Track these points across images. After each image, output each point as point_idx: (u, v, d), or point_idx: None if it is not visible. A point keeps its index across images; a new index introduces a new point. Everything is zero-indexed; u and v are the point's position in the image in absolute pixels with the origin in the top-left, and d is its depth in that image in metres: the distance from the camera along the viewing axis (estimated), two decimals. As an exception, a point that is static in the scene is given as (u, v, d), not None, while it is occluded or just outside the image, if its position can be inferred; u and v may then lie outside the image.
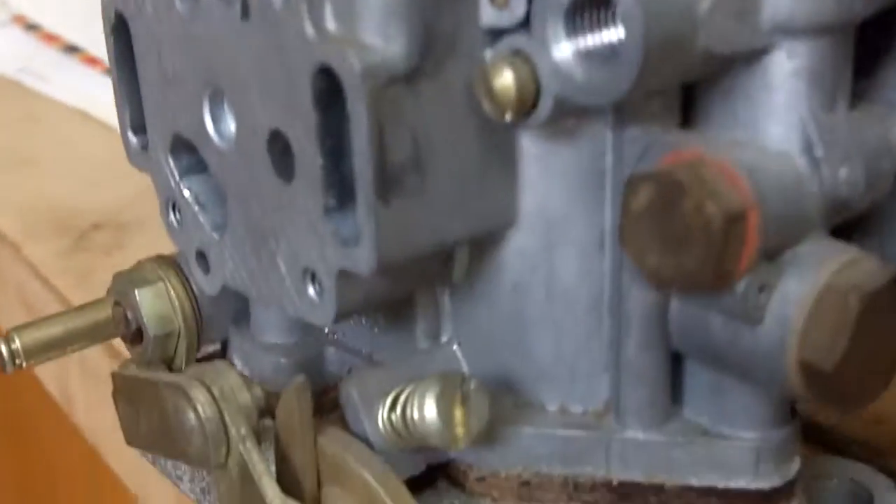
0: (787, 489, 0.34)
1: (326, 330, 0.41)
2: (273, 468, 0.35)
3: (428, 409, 0.33)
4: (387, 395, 0.35)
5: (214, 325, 0.41)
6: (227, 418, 0.34)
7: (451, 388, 0.33)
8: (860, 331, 0.29)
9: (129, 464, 0.66)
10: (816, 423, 0.47)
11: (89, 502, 1.03)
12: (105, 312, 0.43)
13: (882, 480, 0.41)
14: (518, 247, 0.33)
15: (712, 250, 0.27)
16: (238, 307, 0.42)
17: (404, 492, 0.33)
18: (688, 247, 0.28)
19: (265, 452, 0.36)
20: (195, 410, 0.34)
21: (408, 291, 0.35)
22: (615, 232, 0.32)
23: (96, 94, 0.96)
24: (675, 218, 0.28)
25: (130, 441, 0.40)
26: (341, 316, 0.33)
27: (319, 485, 0.35)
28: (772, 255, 0.30)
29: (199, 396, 0.34)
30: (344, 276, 0.32)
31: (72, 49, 1.05)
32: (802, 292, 0.29)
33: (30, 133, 0.97)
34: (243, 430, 0.34)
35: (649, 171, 0.29)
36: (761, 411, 0.33)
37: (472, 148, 0.31)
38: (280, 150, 0.32)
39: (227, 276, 0.37)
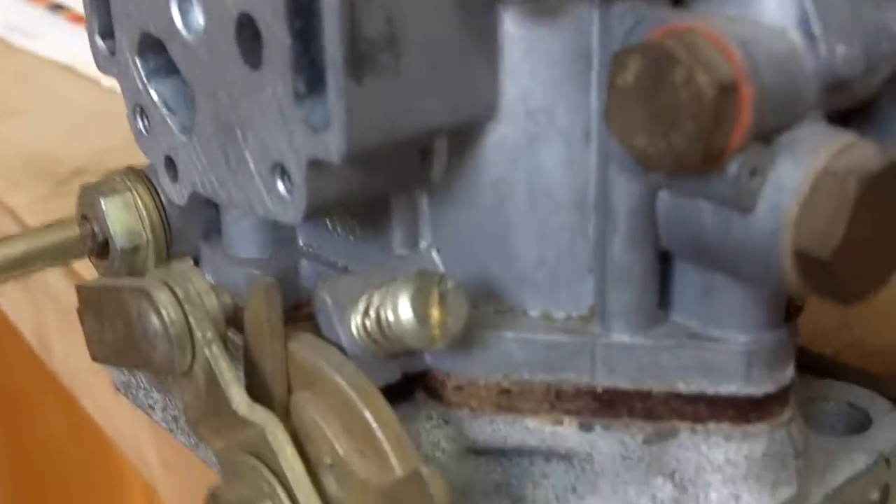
0: (780, 396, 0.33)
1: (301, 243, 0.39)
2: (241, 375, 0.33)
3: (402, 309, 0.31)
4: (360, 299, 0.33)
5: (184, 238, 0.40)
6: (193, 321, 0.33)
7: (427, 286, 0.31)
8: (859, 216, 0.27)
9: (105, 408, 0.65)
10: (815, 353, 0.46)
11: (68, 448, 1.02)
12: (72, 231, 0.41)
13: (880, 402, 0.40)
14: (499, 139, 0.32)
15: (703, 124, 0.26)
16: (209, 222, 0.40)
17: (377, 395, 0.31)
18: (677, 122, 0.26)
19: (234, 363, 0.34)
20: (158, 313, 0.33)
21: (383, 189, 0.33)
22: (602, 120, 0.30)
23: (83, 51, 0.95)
24: (665, 92, 0.26)
25: (96, 356, 0.38)
26: (312, 213, 0.31)
27: (290, 391, 0.33)
28: (766, 137, 0.28)
29: (163, 298, 0.33)
30: (315, 167, 0.30)
31: (58, 7, 1.04)
32: (797, 177, 0.28)
33: (17, 89, 0.96)
34: (209, 334, 0.33)
35: (638, 43, 0.27)
36: (754, 312, 0.32)
37: (450, 27, 0.30)
38: (248, 36, 0.31)
39: (196, 182, 0.35)
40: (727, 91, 0.26)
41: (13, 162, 0.78)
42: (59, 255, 0.42)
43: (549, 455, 0.35)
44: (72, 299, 0.39)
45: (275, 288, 0.32)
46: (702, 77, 0.26)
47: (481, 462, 0.35)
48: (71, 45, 0.97)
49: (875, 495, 0.37)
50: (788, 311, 0.33)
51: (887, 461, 0.38)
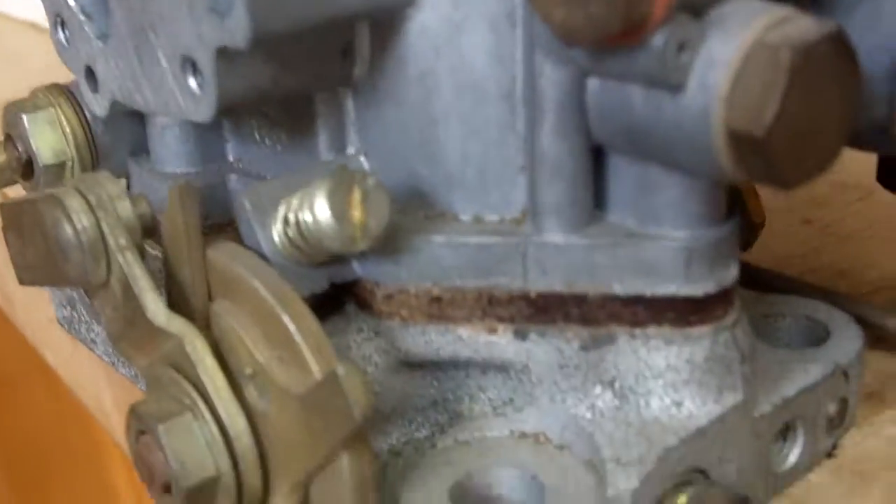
0: (722, 297, 0.31)
1: (230, 159, 0.38)
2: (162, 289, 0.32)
3: (319, 208, 0.30)
4: (281, 204, 0.31)
5: (110, 155, 0.38)
6: (105, 228, 0.31)
7: (345, 184, 0.29)
8: (794, 91, 0.26)
9: (65, 359, 0.63)
10: (772, 272, 0.44)
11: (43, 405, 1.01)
12: (2, 155, 0.40)
13: (839, 315, 0.38)
14: (421, 28, 0.30)
15: (619, -13, 0.24)
16: (135, 139, 0.39)
17: (296, 299, 0.29)
18: (593, -12, 0.25)
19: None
20: (70, 221, 0.31)
21: (303, 87, 0.32)
22: (525, 3, 0.29)
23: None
24: (579, -44, 0.25)
25: (22, 278, 0.37)
26: (224, 107, 0.30)
27: (211, 301, 0.31)
28: (695, 10, 0.26)
29: (75, 205, 0.31)
30: (223, 58, 0.29)
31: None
32: (728, 51, 0.26)
33: (-23, 46, 0.95)
34: (122, 241, 0.31)
35: None
36: (692, 207, 0.30)
37: None
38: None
39: (115, 89, 0.34)
40: (643, -52, 0.24)
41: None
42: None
43: (486, 367, 0.33)
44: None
45: (191, 191, 0.30)
46: (615, -65, 0.24)
47: (416, 376, 0.34)
48: (34, 1, 0.96)
49: (832, 408, 0.36)
50: (730, 208, 0.31)
51: (845, 374, 0.36)
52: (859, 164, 0.37)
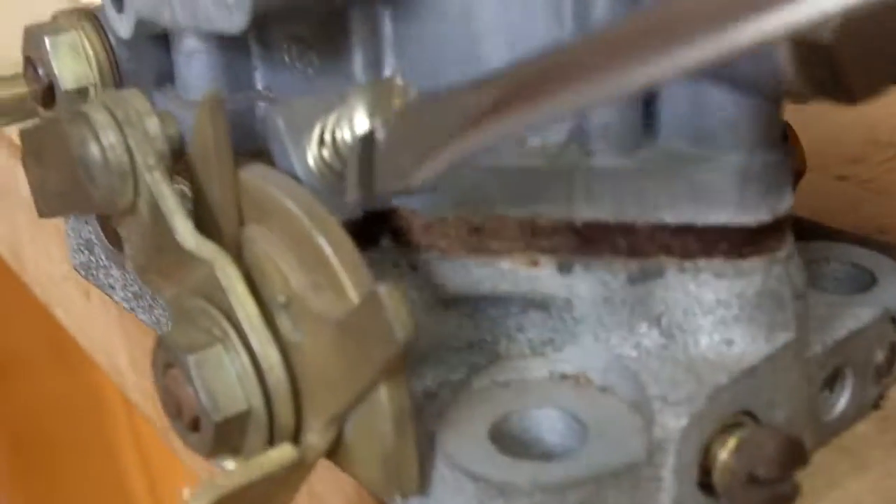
0: (777, 227, 0.30)
1: (259, 87, 0.36)
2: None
3: (359, 123, 0.28)
4: (316, 124, 0.30)
5: (135, 83, 0.37)
6: (133, 145, 0.30)
7: (385, 95, 0.28)
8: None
9: (77, 316, 0.62)
10: (814, 222, 0.43)
11: (53, 384, 1.00)
12: (21, 87, 0.39)
13: (885, 262, 0.37)
14: (467, -66, 0.29)
15: None
16: (161, 68, 0.37)
17: (333, 222, 0.28)
18: None
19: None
20: (97, 138, 0.30)
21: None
22: None
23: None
24: None
25: (42, 210, 0.36)
26: (259, 14, 0.28)
27: (241, 225, 0.30)
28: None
29: (101, 120, 0.30)
30: (260, -35, 0.27)
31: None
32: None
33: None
34: (151, 160, 0.30)
35: None
36: (747, 128, 0.29)
37: None
38: None
39: (141, 7, 0.33)
40: None
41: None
42: (11, 109, 0.39)
43: (526, 305, 0.32)
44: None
45: (220, 104, 0.29)
46: None
47: (452, 316, 0.32)
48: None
49: (880, 356, 0.35)
50: (785, 134, 0.30)
51: (893, 320, 0.35)
52: (894, 121, 0.36)
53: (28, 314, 0.74)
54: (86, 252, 0.45)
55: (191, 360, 0.29)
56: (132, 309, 0.43)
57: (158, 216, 0.30)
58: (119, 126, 0.30)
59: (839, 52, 0.24)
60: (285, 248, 0.29)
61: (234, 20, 0.28)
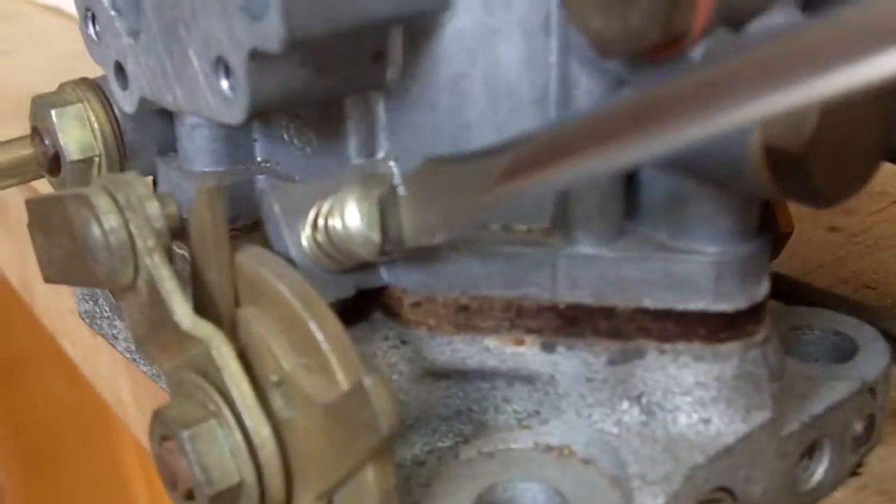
0: (753, 313, 0.31)
1: (259, 159, 0.37)
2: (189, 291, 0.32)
3: (350, 215, 0.30)
4: (311, 208, 0.31)
5: (139, 153, 0.38)
6: (134, 229, 0.31)
7: (375, 191, 0.29)
8: (832, 110, 0.25)
9: (84, 350, 0.63)
10: (801, 283, 0.44)
11: (64, 403, 1.01)
12: (28, 149, 0.40)
13: (867, 330, 0.38)
14: (455, 33, 0.30)
15: (660, 1, 0.24)
16: (164, 137, 0.38)
17: (323, 306, 0.29)
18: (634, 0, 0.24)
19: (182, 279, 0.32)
20: (98, 221, 0.31)
21: (334, 91, 0.31)
22: (561, 9, 0.28)
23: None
24: (620, -32, 0.24)
25: (47, 276, 0.37)
26: (256, 110, 0.29)
27: (238, 306, 0.31)
28: (734, 23, 0.26)
29: (102, 205, 0.31)
30: (256, 60, 0.28)
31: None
32: (768, 68, 0.26)
33: (3, 28, 0.95)
34: (150, 243, 0.31)
35: (592, -82, 0.25)
36: (725, 223, 0.30)
37: None
38: (190, -75, 0.29)
39: (145, 86, 0.34)
40: (687, -36, 0.24)
41: (-2, 100, 0.77)
42: (16, 173, 0.40)
43: (512, 378, 0.33)
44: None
45: (218, 192, 0.30)
46: (658, -52, 0.24)
47: (441, 386, 0.34)
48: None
49: (858, 426, 0.36)
50: (763, 225, 0.31)
51: (872, 391, 0.36)
52: (885, 172, 0.37)
53: (33, 318, 0.76)
54: (90, 302, 0.46)
55: (185, 434, 0.30)
56: (134, 360, 0.44)
57: (157, 295, 0.31)
58: (120, 210, 0.31)
59: (809, 161, 0.26)
60: (278, 330, 0.30)
61: (233, 114, 0.29)
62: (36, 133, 0.38)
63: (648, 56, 0.26)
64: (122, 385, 0.59)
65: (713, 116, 0.21)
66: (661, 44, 0.25)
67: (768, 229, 0.31)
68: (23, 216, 0.65)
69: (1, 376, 1.28)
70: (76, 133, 0.37)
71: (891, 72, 0.18)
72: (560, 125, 0.26)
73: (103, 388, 0.63)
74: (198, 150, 0.37)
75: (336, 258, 0.31)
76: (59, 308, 0.66)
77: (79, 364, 0.66)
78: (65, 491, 1.24)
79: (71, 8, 0.92)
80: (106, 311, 0.45)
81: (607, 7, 0.25)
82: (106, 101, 0.37)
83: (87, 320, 0.47)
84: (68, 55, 0.85)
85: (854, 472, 0.36)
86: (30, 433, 1.29)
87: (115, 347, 0.45)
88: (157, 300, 0.31)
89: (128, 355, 0.44)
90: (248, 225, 0.37)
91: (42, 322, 0.71)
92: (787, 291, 0.44)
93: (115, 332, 0.45)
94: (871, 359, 0.36)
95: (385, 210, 0.29)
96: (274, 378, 0.30)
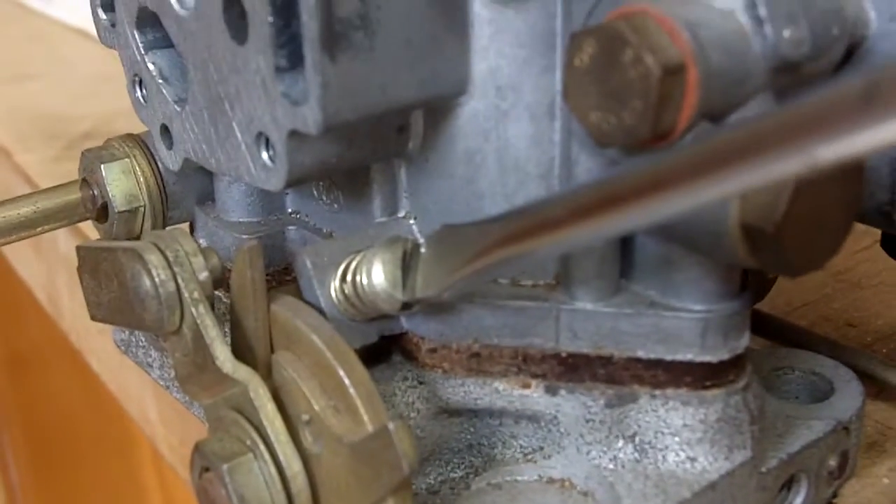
0: (735, 363, 0.34)
1: (290, 210, 0.41)
2: (228, 337, 0.35)
3: (375, 274, 0.33)
4: (340, 264, 0.35)
5: (180, 203, 0.42)
6: (181, 282, 0.34)
7: (399, 251, 0.33)
8: (803, 191, 0.29)
9: (111, 367, 0.67)
10: (783, 322, 0.47)
11: (79, 408, 1.04)
12: (75, 194, 0.43)
13: (843, 372, 0.41)
14: (471, 114, 0.33)
15: (650, 103, 0.27)
16: (203, 188, 0.42)
17: (351, 355, 0.33)
18: (627, 100, 0.28)
19: (222, 323, 0.36)
20: (150, 274, 0.34)
21: (363, 161, 0.35)
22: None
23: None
24: (616, 72, 0.28)
25: (94, 315, 0.40)
26: (293, 181, 0.33)
27: (272, 351, 0.35)
28: (715, 117, 0.29)
29: (154, 260, 0.34)
30: (295, 138, 0.32)
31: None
32: (746, 156, 0.29)
33: (32, 52, 0.98)
34: (196, 294, 0.34)
35: (592, 26, 0.29)
36: (709, 284, 0.33)
37: (422, 8, 0.31)
38: (235, 13, 0.33)
39: (189, 150, 0.37)
40: (673, 72, 0.27)
41: (26, 123, 0.80)
42: (65, 216, 0.44)
43: (518, 417, 0.37)
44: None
45: (258, 250, 0.33)
46: (649, 58, 0.27)
47: (454, 422, 0.37)
48: (85, 8, 0.99)
49: (833, 462, 0.39)
50: (744, 282, 0.35)
51: (846, 429, 0.39)
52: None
53: (49, 317, 0.79)
54: (126, 332, 0.49)
55: (225, 467, 0.34)
56: (168, 387, 0.48)
57: (200, 341, 0.35)
58: (169, 265, 0.34)
59: (781, 239, 0.29)
60: (310, 375, 0.34)
61: (273, 183, 0.33)
62: (85, 183, 0.41)
63: (640, 146, 0.29)
64: (149, 405, 0.63)
65: (691, 191, 0.24)
66: (651, 137, 0.28)
67: (754, 273, 0.35)
68: (53, 243, 0.69)
69: (14, 376, 1.31)
70: (123, 185, 0.40)
71: (842, 153, 0.21)
72: (553, 199, 0.29)
73: (129, 405, 0.66)
74: (234, 202, 0.40)
75: (361, 309, 0.34)
76: (87, 326, 0.69)
77: (105, 381, 0.69)
78: (78, 491, 1.27)
79: (95, 31, 0.95)
80: (142, 341, 0.48)
81: (604, 105, 0.28)
82: (150, 156, 0.41)
83: (123, 348, 0.50)
84: (94, 78, 0.89)
85: (829, 503, 0.40)
86: (43, 433, 1.31)
87: (149, 375, 0.49)
88: (200, 345, 0.35)
89: (161, 383, 0.48)
90: (278, 271, 0.40)
91: (69, 339, 0.74)
92: (772, 330, 0.47)
93: (149, 360, 0.48)
94: (846, 400, 0.40)
95: (407, 268, 0.33)
96: (305, 417, 0.34)
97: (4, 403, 1.37)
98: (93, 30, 0.96)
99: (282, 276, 0.40)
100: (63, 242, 0.69)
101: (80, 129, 0.77)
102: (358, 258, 0.34)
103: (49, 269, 0.73)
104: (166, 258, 0.35)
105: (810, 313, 0.52)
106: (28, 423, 1.34)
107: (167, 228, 0.38)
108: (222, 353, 0.34)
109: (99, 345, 0.68)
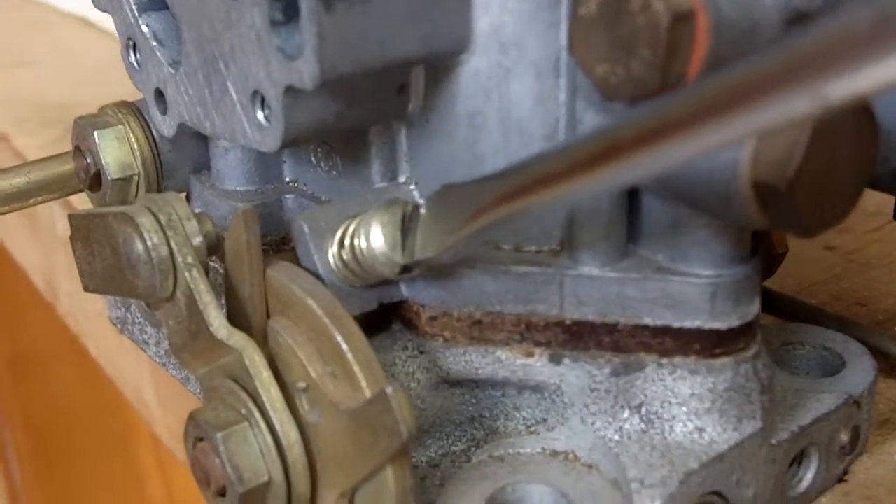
0: (745, 330, 0.33)
1: (287, 179, 0.40)
2: (223, 302, 0.34)
3: (374, 237, 0.32)
4: (337, 229, 0.34)
5: (175, 172, 0.41)
6: (174, 246, 0.33)
7: (398, 215, 0.32)
8: (816, 147, 0.28)
9: (108, 350, 0.66)
10: (794, 300, 0.46)
11: (78, 397, 1.04)
12: (68, 164, 0.42)
13: (854, 346, 0.40)
14: (472, 72, 0.32)
15: (659, 51, 0.26)
16: (198, 157, 0.41)
17: (349, 320, 0.32)
18: (635, 50, 0.27)
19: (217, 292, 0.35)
20: (142, 238, 0.33)
21: (361, 122, 0.34)
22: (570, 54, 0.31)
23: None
24: (623, 21, 0.27)
25: (87, 286, 0.39)
26: (289, 141, 0.32)
27: (268, 317, 0.34)
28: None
29: (146, 223, 0.33)
30: (291, 95, 0.31)
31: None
32: (757, 110, 0.28)
33: (33, 39, 0.98)
34: (190, 259, 0.33)
35: (599, -27, 0.28)
36: (718, 247, 0.32)
37: (421, -41, 0.30)
38: (229, -32, 0.32)
39: (184, 113, 0.36)
40: (682, 19, 0.26)
41: (25, 108, 0.79)
42: (58, 187, 0.43)
43: (521, 387, 0.36)
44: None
45: (253, 214, 0.32)
46: (658, 4, 0.26)
47: (455, 394, 0.36)
48: (86, -3, 0.99)
49: (844, 436, 0.38)
50: (754, 247, 0.34)
51: (857, 404, 0.38)
52: (879, 194, 0.39)
53: (48, 314, 0.78)
54: (122, 309, 0.49)
55: (219, 436, 0.33)
56: (164, 364, 0.47)
57: (194, 307, 0.34)
58: (162, 228, 0.33)
59: (794, 194, 0.28)
60: (306, 341, 0.33)
61: (268, 143, 0.32)
62: (78, 152, 0.40)
63: (648, 98, 0.28)
64: (147, 386, 0.62)
65: (696, 136, 0.23)
66: (660, 89, 0.27)
67: (763, 251, 0.34)
68: (50, 224, 0.68)
69: (14, 374, 1.30)
70: (117, 153, 0.40)
71: (853, 90, 0.20)
72: (553, 152, 0.28)
73: (126, 389, 0.66)
74: (230, 170, 0.40)
75: (359, 275, 0.34)
76: (84, 310, 0.68)
77: (103, 365, 0.68)
78: (79, 485, 1.26)
79: (98, 19, 0.95)
80: (137, 318, 0.47)
81: (611, 56, 0.27)
82: (145, 124, 0.40)
83: (118, 326, 0.50)
84: (95, 66, 0.88)
85: (840, 480, 0.39)
86: (43, 429, 1.31)
87: (145, 352, 0.48)
88: (194, 311, 0.34)
89: (157, 360, 0.47)
90: (276, 240, 0.39)
91: (66, 323, 0.73)
92: (782, 308, 0.46)
93: (145, 337, 0.47)
94: (858, 374, 0.39)
95: (406, 231, 0.32)
96: (301, 384, 0.33)
97: (5, 400, 1.36)
98: (94, 17, 0.96)
99: (279, 246, 0.39)
100: (61, 224, 0.69)
101: (79, 114, 0.76)
102: (356, 222, 0.33)
103: (46, 251, 0.73)
104: (159, 221, 0.34)
105: (820, 293, 0.51)
106: (28, 419, 1.33)
107: (163, 193, 0.36)
108: (217, 320, 0.33)
109: (96, 328, 0.67)
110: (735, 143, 0.26)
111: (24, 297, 1.02)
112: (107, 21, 0.93)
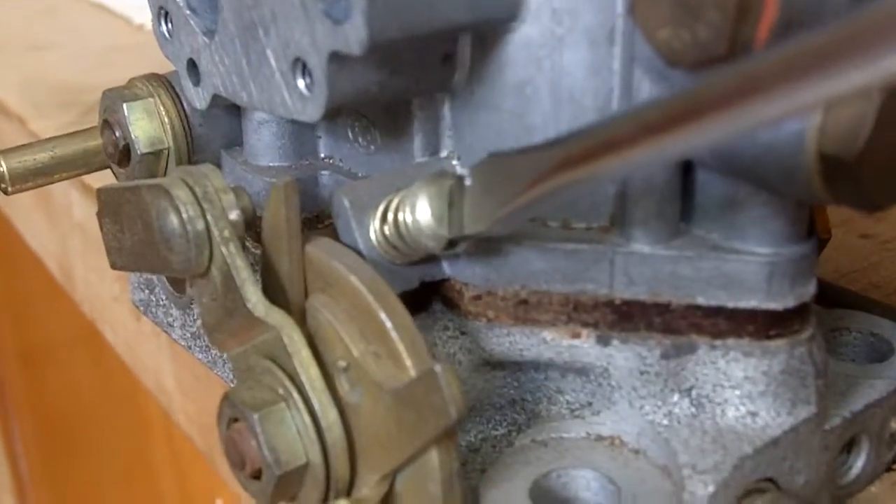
0: (801, 312, 0.32)
1: (322, 155, 0.39)
2: (259, 278, 0.33)
3: (421, 209, 0.31)
4: (379, 204, 0.33)
5: (205, 147, 0.40)
6: (211, 219, 0.32)
7: (446, 185, 0.31)
8: (885, 120, 0.27)
9: (126, 337, 0.65)
10: (839, 287, 0.45)
11: (90, 387, 1.03)
12: (94, 140, 0.41)
13: (903, 332, 0.39)
14: (523, 40, 0.31)
15: (728, 13, 0.25)
16: (230, 132, 0.40)
17: (393, 297, 0.31)
18: (702, 12, 0.26)
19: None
20: (177, 211, 0.32)
21: (405, 92, 0.33)
22: (627, 21, 0.30)
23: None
24: (690, -19, 0.26)
25: (115, 263, 0.38)
26: (333, 110, 0.31)
27: (306, 295, 0.33)
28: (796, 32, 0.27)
29: (182, 196, 0.32)
30: (335, 62, 0.30)
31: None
32: (826, 79, 0.27)
33: (48, 23, 0.97)
34: (226, 233, 0.32)
35: (665, -68, 0.27)
36: (777, 225, 0.31)
37: (474, -79, 0.29)
38: (272, -70, 0.31)
39: (218, 84, 0.35)
40: (755, -20, 0.25)
41: (41, 92, 0.78)
42: (83, 163, 0.42)
43: (565, 370, 0.34)
44: (96, 228, 0.39)
45: (293, 187, 0.31)
46: (729, -35, 0.25)
47: (497, 376, 0.35)
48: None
49: (895, 425, 0.37)
50: (811, 227, 0.32)
51: (909, 390, 0.37)
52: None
53: (62, 303, 0.77)
54: (146, 291, 0.47)
55: (255, 416, 0.32)
56: (189, 348, 0.46)
57: (230, 283, 0.33)
58: (198, 201, 0.32)
59: (862, 168, 0.27)
60: (347, 318, 0.31)
61: (310, 113, 0.31)
62: (106, 125, 0.39)
63: (713, 65, 0.27)
64: (166, 371, 0.61)
65: (766, 102, 0.22)
66: (727, 54, 0.26)
67: (816, 232, 0.33)
68: (66, 208, 0.67)
69: (24, 366, 1.29)
70: (146, 127, 0.38)
71: None
72: (616, 118, 0.27)
73: (145, 375, 0.64)
74: (264, 145, 0.38)
75: (402, 251, 0.32)
76: (100, 295, 0.67)
77: (120, 352, 0.67)
78: (89, 483, 1.25)
79: (112, 3, 0.94)
80: (162, 300, 0.46)
81: (675, 19, 0.26)
82: (175, 97, 0.39)
83: (142, 308, 0.48)
84: (109, 49, 0.87)
85: (890, 468, 0.38)
86: (53, 424, 1.30)
87: (170, 335, 0.47)
88: (230, 287, 0.33)
89: (182, 342, 0.46)
90: (310, 218, 0.38)
91: (82, 309, 0.72)
92: (826, 295, 0.45)
93: (170, 319, 0.46)
94: (908, 359, 0.38)
95: (452, 204, 0.31)
96: (342, 364, 0.31)
97: (14, 393, 1.35)
98: (107, 2, 0.94)
99: (314, 224, 0.38)
100: (77, 209, 0.68)
101: (95, 98, 0.74)
102: (400, 196, 0.32)
103: (62, 237, 0.71)
104: (195, 194, 0.33)
105: (859, 280, 0.50)
106: (38, 413, 1.32)
107: (198, 165, 0.35)
108: (254, 295, 0.32)
109: (113, 314, 0.66)
110: (807, 112, 0.25)
111: (35, 285, 1.02)
112: (121, 6, 0.92)
